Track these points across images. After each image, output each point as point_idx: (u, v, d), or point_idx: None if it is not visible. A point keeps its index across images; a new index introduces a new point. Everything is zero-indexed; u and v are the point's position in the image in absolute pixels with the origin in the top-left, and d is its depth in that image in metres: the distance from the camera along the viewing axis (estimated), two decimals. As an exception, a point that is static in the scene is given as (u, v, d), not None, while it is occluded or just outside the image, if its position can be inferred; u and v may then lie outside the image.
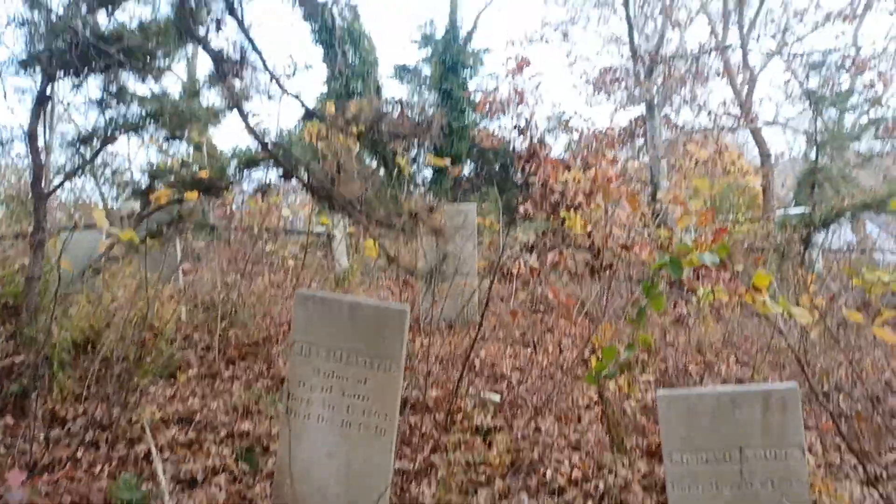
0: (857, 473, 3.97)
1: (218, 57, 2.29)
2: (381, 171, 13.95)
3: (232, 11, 2.49)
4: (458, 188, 15.57)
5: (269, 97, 2.68)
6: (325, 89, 16.10)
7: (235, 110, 2.47)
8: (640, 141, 16.68)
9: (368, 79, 15.82)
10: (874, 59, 14.88)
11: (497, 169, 15.77)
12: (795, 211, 12.74)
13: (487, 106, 8.15)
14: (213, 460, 3.61)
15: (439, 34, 16.94)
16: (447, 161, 7.78)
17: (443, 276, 2.77)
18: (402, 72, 18.33)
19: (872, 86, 14.60)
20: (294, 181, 2.68)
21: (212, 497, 3.29)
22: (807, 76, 14.43)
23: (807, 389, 5.11)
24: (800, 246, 10.99)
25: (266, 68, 2.59)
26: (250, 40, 2.52)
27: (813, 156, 11.97)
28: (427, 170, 15.80)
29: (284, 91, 2.62)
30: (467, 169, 17.22)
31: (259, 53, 2.56)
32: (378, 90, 16.05)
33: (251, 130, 2.54)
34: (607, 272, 7.66)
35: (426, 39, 17.70)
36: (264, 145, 2.59)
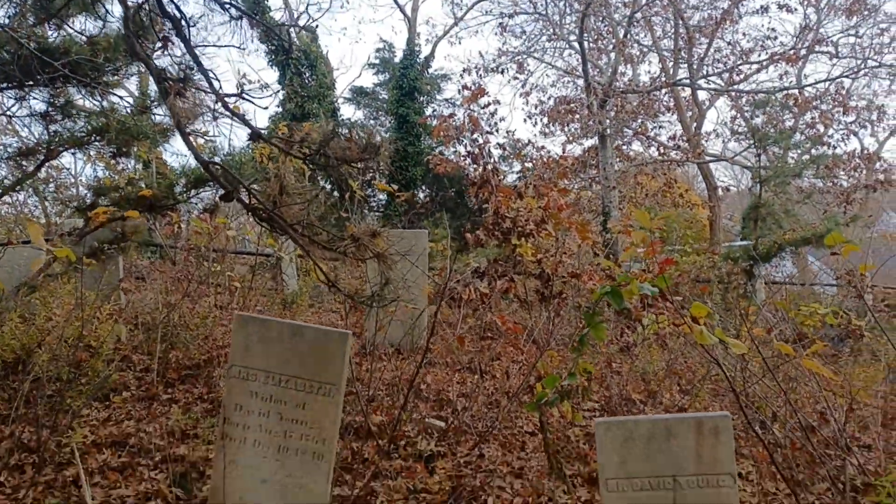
0: (791, 501, 4.06)
1: (161, 75, 2.27)
2: (336, 195, 13.93)
3: (178, 30, 2.48)
4: (413, 214, 15.63)
5: (215, 117, 2.66)
6: (280, 111, 16.04)
7: (178, 129, 2.45)
8: (593, 171, 17.02)
9: (324, 101, 15.81)
10: (816, 100, 15.55)
11: (452, 195, 15.88)
12: (740, 244, 13.11)
13: (442, 132, 8.22)
14: (145, 485, 3.51)
15: (397, 59, 17.06)
16: (394, 187, 7.82)
17: (383, 301, 2.77)
18: (358, 95, 18.36)
19: (814, 125, 15.23)
20: (235, 202, 2.65)
21: (143, 524, 3.20)
22: (752, 114, 14.97)
23: (744, 419, 5.24)
24: (743, 278, 11.31)
25: (212, 88, 2.58)
26: (196, 59, 2.51)
27: (757, 190, 12.36)
28: (382, 195, 15.82)
29: (230, 111, 2.60)
30: (422, 194, 17.31)
31: (205, 73, 2.55)
32: (334, 113, 16.04)
33: (192, 149, 2.52)
34: (556, 300, 7.77)
35: (384, 64, 17.81)
36: (205, 164, 2.57)
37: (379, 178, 15.94)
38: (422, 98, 16.43)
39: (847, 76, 15.01)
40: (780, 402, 5.34)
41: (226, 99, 2.63)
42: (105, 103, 5.45)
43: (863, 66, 15.01)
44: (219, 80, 2.62)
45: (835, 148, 15.30)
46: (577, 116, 15.23)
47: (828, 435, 4.70)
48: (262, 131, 2.82)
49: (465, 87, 8.44)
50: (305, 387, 2.88)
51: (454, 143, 9.03)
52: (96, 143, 5.10)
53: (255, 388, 2.92)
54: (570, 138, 16.08)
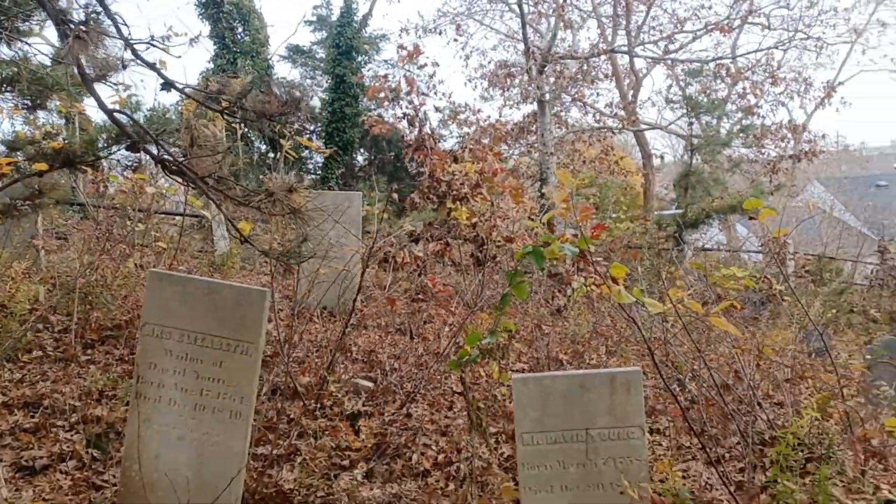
0: (703, 455, 4.24)
1: (59, 17, 2.14)
2: (269, 154, 13.65)
3: (83, -28, 2.35)
4: (350, 176, 15.45)
5: (124, 66, 2.55)
6: (212, 67, 15.50)
7: (80, 76, 2.34)
8: (532, 137, 17.13)
9: (257, 58, 15.34)
10: (748, 71, 15.96)
11: (391, 158, 15.75)
12: (670, 212, 13.47)
13: (377, 93, 8.11)
14: (60, 446, 3.42)
15: (335, 17, 16.62)
16: (318, 145, 7.70)
17: (301, 258, 2.73)
18: (295, 53, 17.88)
19: (745, 95, 15.65)
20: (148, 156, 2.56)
21: (56, 484, 3.12)
22: (686, 83, 15.28)
23: (660, 377, 5.43)
24: (672, 244, 11.66)
25: (120, 35, 2.46)
26: (102, 2, 2.39)
27: (688, 159, 12.68)
28: (320, 156, 15.55)
29: (139, 59, 2.50)
30: (361, 157, 17.11)
31: (112, 18, 2.43)
32: (268, 70, 15.59)
33: (97, 98, 2.41)
34: (490, 264, 7.84)
35: (321, 22, 17.35)
36: (109, 113, 2.46)
37: (316, 139, 15.68)
38: (360, 58, 16.09)
39: (777, 48, 15.44)
40: (699, 361, 5.58)
41: (135, 47, 2.52)
42: (17, 52, 5.16)
43: (793, 38, 15.45)
44: (128, 27, 2.50)
45: (764, 118, 15.79)
46: (517, 81, 15.24)
47: (741, 392, 4.93)
48: (181, 84, 2.72)
49: (401, 46, 8.30)
50: (223, 345, 2.84)
51: (391, 104, 8.94)
52: (7, 94, 4.83)
53: (170, 346, 2.87)
54: (509, 103, 16.11)
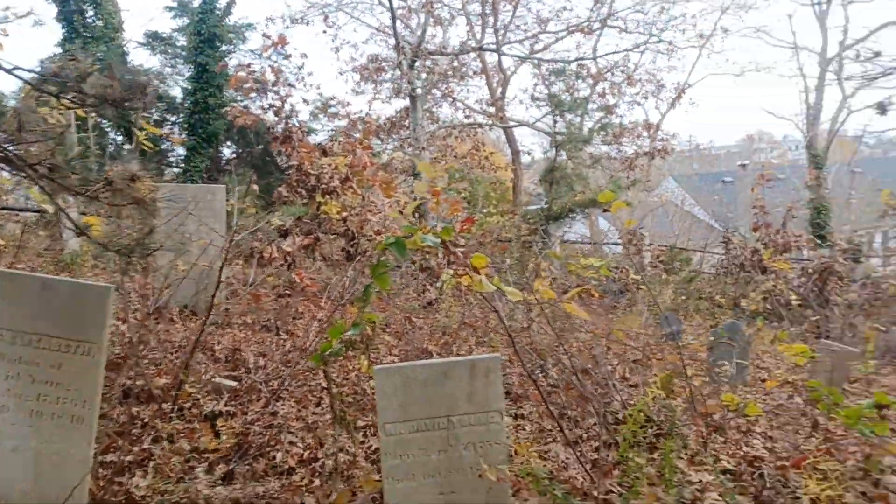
0: (562, 436, 4.43)
1: None
2: (127, 146, 12.86)
3: None
4: (217, 169, 14.85)
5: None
6: (60, 52, 14.31)
7: None
8: (404, 132, 17.20)
9: (111, 44, 14.35)
10: (608, 72, 16.84)
11: (260, 151, 15.28)
12: (537, 206, 13.98)
13: (240, 83, 7.81)
14: None
15: (197, 3, 15.85)
16: (177, 135, 7.37)
17: (146, 250, 2.58)
18: (154, 40, 16.90)
19: (605, 95, 16.50)
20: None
21: None
22: (551, 82, 15.90)
23: (522, 364, 5.63)
24: (539, 237, 12.11)
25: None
26: None
27: (553, 155, 13.22)
28: (182, 149, 14.81)
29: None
30: (228, 150, 16.48)
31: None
32: (123, 56, 14.65)
33: None
34: (361, 258, 7.81)
35: (182, 7, 16.51)
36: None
37: (178, 130, 14.94)
38: (224, 47, 15.45)
39: (634, 50, 16.38)
40: (560, 348, 5.83)
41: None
42: None
43: (648, 41, 16.45)
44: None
45: (622, 118, 16.72)
46: (389, 76, 15.25)
47: (599, 376, 5.20)
48: (8, 65, 2.49)
49: (266, 35, 8.06)
50: (61, 346, 2.64)
51: (258, 95, 8.66)
52: None
53: (2, 348, 2.64)
54: (380, 97, 16.10)
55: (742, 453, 4.27)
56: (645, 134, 17.30)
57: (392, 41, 14.00)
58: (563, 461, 4.03)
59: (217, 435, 3.85)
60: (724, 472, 3.95)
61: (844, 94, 19.64)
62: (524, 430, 4.75)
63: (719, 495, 3.54)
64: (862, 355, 6.80)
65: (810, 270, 9.63)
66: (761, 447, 4.46)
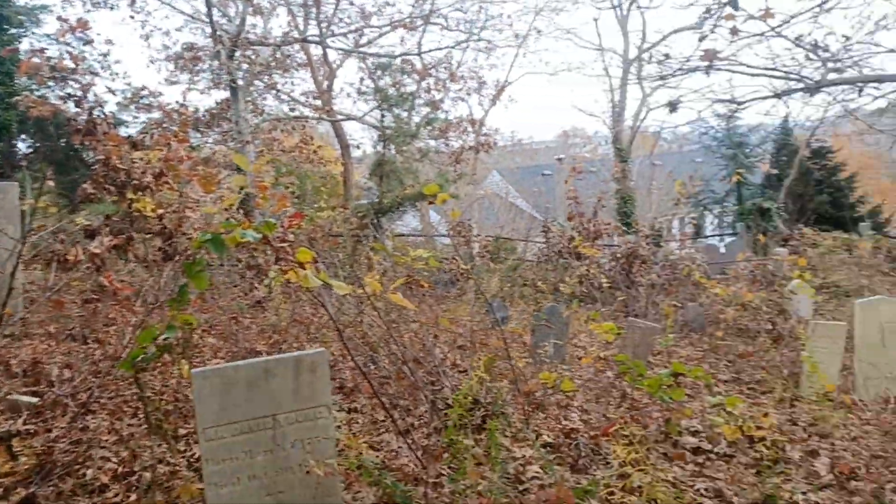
0: (394, 426, 4.48)
1: None
2: None
3: None
4: (10, 165, 13.33)
5: None
6: None
7: None
8: (227, 125, 16.47)
9: None
10: (433, 68, 17.18)
11: (63, 145, 13.91)
12: (368, 200, 13.99)
13: (38, 70, 7.03)
14: None
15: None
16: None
17: None
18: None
19: (430, 90, 16.83)
20: None
21: None
22: (378, 76, 15.92)
23: (359, 356, 5.63)
24: (370, 231, 12.13)
25: None
26: None
27: (381, 149, 13.28)
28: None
29: None
30: (24, 145, 14.85)
31: None
32: None
33: None
34: (180, 258, 7.37)
35: (-39, -14, 14.62)
36: None
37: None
38: (13, 30, 13.85)
39: (455, 48, 16.86)
40: (393, 339, 5.89)
41: None
42: None
43: (469, 39, 16.99)
44: None
45: (447, 113, 17.16)
46: (207, 65, 14.51)
47: (430, 365, 5.31)
48: None
49: (61, 19, 7.32)
50: None
51: (57, 84, 7.86)
52: None
53: None
54: (196, 88, 15.30)
55: (560, 427, 4.57)
56: (470, 129, 17.88)
57: (209, 29, 13.32)
58: (394, 450, 4.08)
59: (14, 457, 3.47)
60: (545, 445, 4.20)
61: (644, 93, 21.51)
62: (357, 423, 4.75)
63: (540, 468, 3.76)
64: (663, 330, 7.52)
65: (618, 255, 10.46)
66: (578, 419, 4.80)
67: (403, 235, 15.76)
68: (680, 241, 11.74)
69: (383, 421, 4.76)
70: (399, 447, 4.20)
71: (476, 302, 7.57)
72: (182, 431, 4.13)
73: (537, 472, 3.75)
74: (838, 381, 5.98)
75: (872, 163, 29.47)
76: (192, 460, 3.72)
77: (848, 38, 7.12)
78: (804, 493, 3.71)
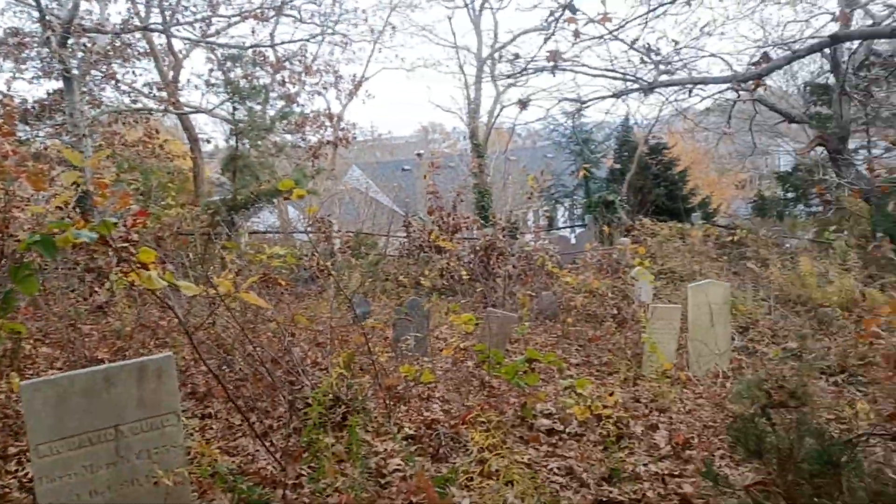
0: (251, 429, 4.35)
1: None
2: None
3: None
4: None
5: None
6: None
7: None
8: (61, 117, 15.18)
9: None
10: (287, 61, 16.76)
11: None
12: (219, 196, 13.46)
13: None
14: None
15: None
16: None
17: None
18: None
19: (285, 84, 16.41)
20: None
21: None
22: (228, 68, 15.30)
23: (213, 359, 5.42)
24: (224, 228, 11.65)
25: None
26: None
27: (234, 143, 12.79)
28: None
29: None
30: None
31: None
32: None
33: None
34: (6, 260, 6.74)
35: None
36: None
37: None
38: None
39: (309, 41, 16.55)
40: (249, 340, 5.70)
41: None
42: None
43: (324, 32, 16.74)
44: None
45: (303, 107, 16.81)
46: (35, 53, 13.30)
47: (290, 364, 5.20)
48: None
49: None
50: None
51: None
52: None
53: None
54: (23, 77, 13.97)
55: (422, 418, 4.64)
56: (328, 123, 17.63)
57: (36, 14, 12.20)
58: (251, 454, 3.97)
59: None
60: (407, 437, 4.25)
61: (498, 91, 22.20)
62: (212, 428, 4.58)
63: (402, 460, 3.80)
64: (519, 319, 7.82)
65: (477, 248, 10.74)
66: (439, 410, 4.89)
67: (260, 233, 15.29)
68: (534, 232, 12.24)
69: (239, 425, 4.62)
70: (256, 450, 4.09)
71: (336, 298, 7.50)
72: (12, 450, 3.80)
73: (399, 465, 3.79)
74: (675, 359, 6.49)
75: (702, 158, 32.14)
76: (24, 480, 3.43)
77: (677, 43, 7.74)
78: (645, 465, 4.00)
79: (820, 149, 14.46)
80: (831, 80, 12.96)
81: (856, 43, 9.02)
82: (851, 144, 14.59)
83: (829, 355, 6.54)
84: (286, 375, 5.12)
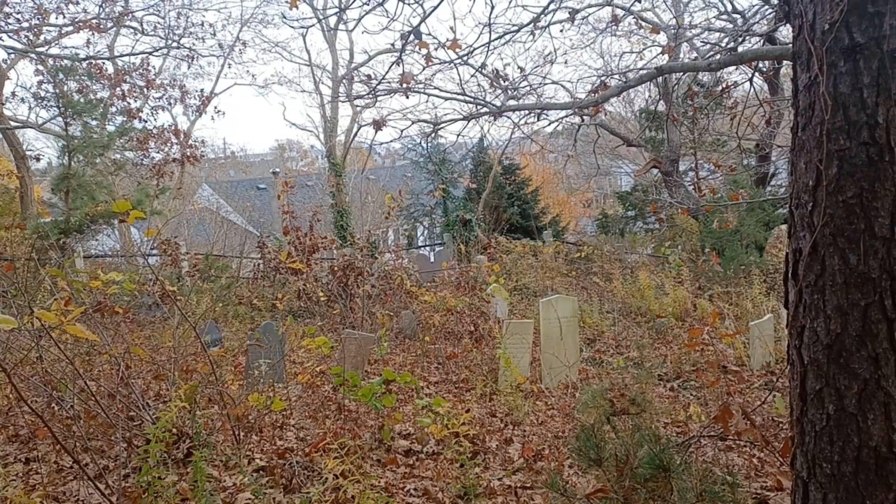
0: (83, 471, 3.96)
1: None
2: None
3: None
4: None
5: None
6: None
7: None
8: None
9: None
10: (127, 74, 15.76)
11: None
12: (50, 218, 12.37)
13: None
14: None
15: None
16: None
17: None
18: None
19: (125, 98, 15.43)
20: None
21: None
22: (62, 80, 14.14)
23: (39, 398, 4.92)
24: (57, 252, 10.70)
25: None
26: None
27: (66, 161, 11.81)
28: None
29: None
30: None
31: None
32: None
33: None
34: None
35: None
36: None
37: None
38: None
39: (152, 54, 15.66)
40: (81, 375, 5.22)
41: None
42: None
43: (168, 46, 15.90)
44: None
45: (146, 122, 15.86)
46: None
47: (130, 398, 4.80)
48: None
49: None
50: None
51: None
52: None
53: None
54: None
55: (275, 447, 4.44)
56: (174, 140, 16.74)
57: None
58: (82, 499, 3.61)
59: None
60: (258, 469, 4.05)
61: (355, 110, 22.09)
62: (38, 473, 4.13)
63: (252, 493, 3.60)
64: (379, 339, 7.75)
65: (335, 268, 10.56)
66: (293, 438, 4.71)
67: (96, 257, 14.19)
68: (394, 252, 12.24)
69: (70, 467, 4.21)
70: (90, 493, 3.73)
71: (181, 325, 7.07)
72: None
73: (249, 499, 3.59)
74: (528, 372, 6.68)
75: (552, 178, 33.73)
76: None
77: (523, 70, 8.07)
78: (500, 479, 4.06)
79: (655, 170, 15.64)
80: (661, 107, 14.06)
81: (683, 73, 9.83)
82: (682, 166, 15.89)
83: (665, 363, 7.01)
84: (125, 411, 4.74)
